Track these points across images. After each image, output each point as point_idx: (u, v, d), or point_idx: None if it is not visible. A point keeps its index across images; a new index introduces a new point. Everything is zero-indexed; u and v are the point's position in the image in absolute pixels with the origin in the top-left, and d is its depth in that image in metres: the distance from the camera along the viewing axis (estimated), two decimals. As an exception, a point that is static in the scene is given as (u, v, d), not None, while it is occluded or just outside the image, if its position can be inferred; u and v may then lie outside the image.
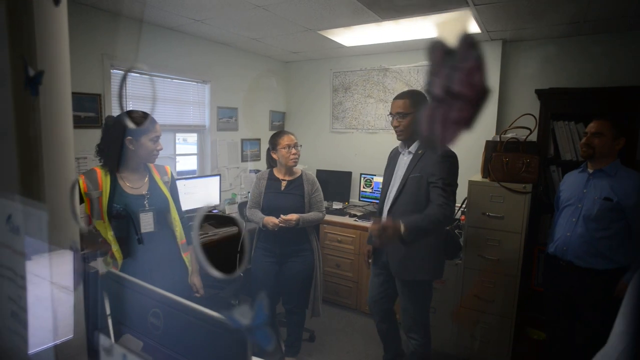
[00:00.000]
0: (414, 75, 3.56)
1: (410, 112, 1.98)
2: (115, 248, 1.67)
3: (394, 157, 2.22)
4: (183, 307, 0.79)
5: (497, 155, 2.55)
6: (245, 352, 0.69)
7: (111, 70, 2.64)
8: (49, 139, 0.66)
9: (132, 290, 0.89)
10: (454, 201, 1.91)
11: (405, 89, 3.59)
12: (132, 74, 2.78)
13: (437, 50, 0.28)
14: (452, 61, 0.28)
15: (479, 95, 0.27)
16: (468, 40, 0.27)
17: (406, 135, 2.05)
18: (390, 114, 2.08)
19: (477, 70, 0.27)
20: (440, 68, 0.28)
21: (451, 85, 0.28)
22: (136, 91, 2.81)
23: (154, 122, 1.75)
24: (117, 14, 2.64)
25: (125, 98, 2.77)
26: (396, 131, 2.07)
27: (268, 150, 2.52)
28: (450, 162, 1.94)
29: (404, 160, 2.09)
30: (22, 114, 0.65)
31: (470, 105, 0.28)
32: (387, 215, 2.11)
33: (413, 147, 2.06)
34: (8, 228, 0.60)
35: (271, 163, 2.52)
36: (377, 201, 3.27)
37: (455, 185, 1.95)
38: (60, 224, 0.63)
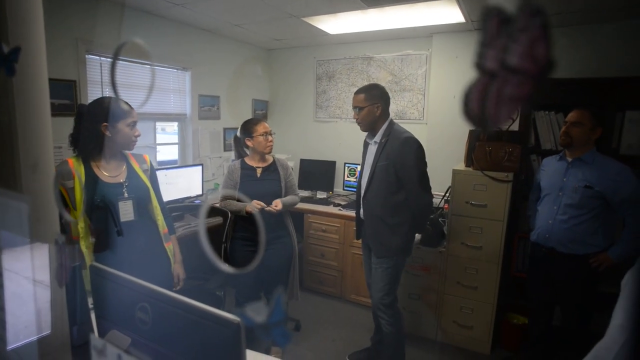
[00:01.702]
0: (398, 64, 3.55)
1: (366, 106, 2.18)
2: (83, 243, 1.58)
3: (365, 146, 2.38)
4: (173, 301, 0.76)
5: (480, 144, 2.58)
6: (240, 345, 0.67)
7: (86, 56, 2.53)
8: (25, 124, 0.61)
9: (117, 284, 0.85)
10: (428, 180, 2.19)
11: (389, 77, 3.59)
12: (109, 59, 2.66)
13: (492, 17, 0.26)
14: (510, 30, 0.25)
15: (542, 69, 0.25)
16: (531, 6, 0.25)
17: (365, 127, 2.24)
18: (353, 107, 2.27)
19: (542, 40, 0.25)
20: (495, 38, 0.26)
21: (509, 58, 0.26)
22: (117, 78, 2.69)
23: (129, 107, 1.68)
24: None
25: (102, 85, 2.67)
26: (357, 123, 2.26)
27: (237, 139, 2.48)
28: (413, 148, 2.11)
29: (371, 150, 2.26)
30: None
31: (532, 80, 0.26)
32: (363, 201, 2.29)
33: (377, 137, 2.22)
34: (-17, 220, 0.56)
35: (241, 153, 2.50)
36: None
37: (424, 167, 2.16)
38: (43, 215, 0.59)
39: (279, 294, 0.50)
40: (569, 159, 2.17)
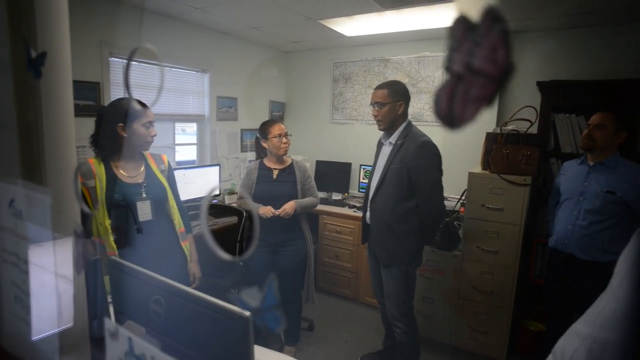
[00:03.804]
0: (415, 66, 3.54)
1: (389, 102, 2.04)
2: (106, 239, 1.64)
3: (378, 146, 2.27)
4: (185, 294, 0.78)
5: (497, 147, 2.54)
6: (247, 339, 0.69)
7: (110, 58, 2.62)
8: (50, 123, 0.65)
9: (133, 278, 0.89)
10: (442, 190, 2.07)
11: (406, 79, 3.57)
12: (132, 62, 2.75)
13: (459, 25, 0.28)
14: (474, 36, 0.27)
15: (503, 72, 0.26)
16: (492, 14, 0.26)
17: (385, 125, 2.10)
18: (371, 103, 2.13)
19: (502, 45, 0.26)
20: (461, 44, 0.28)
21: (473, 62, 0.27)
22: (136, 80, 2.78)
23: (144, 107, 1.72)
24: (116, 1, 2.60)
25: (125, 87, 2.75)
26: (376, 120, 2.13)
27: (257, 140, 2.51)
28: (431, 153, 2.00)
29: (385, 151, 2.14)
30: (23, 97, 0.64)
31: (493, 82, 0.27)
32: (370, 206, 2.19)
33: (393, 138, 2.10)
34: (11, 212, 0.60)
35: (260, 153, 2.53)
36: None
37: (440, 175, 2.05)
38: (64, 208, 0.63)
39: (270, 281, 0.52)
40: (591, 163, 2.12)
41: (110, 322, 0.58)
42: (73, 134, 0.74)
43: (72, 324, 0.92)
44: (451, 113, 0.29)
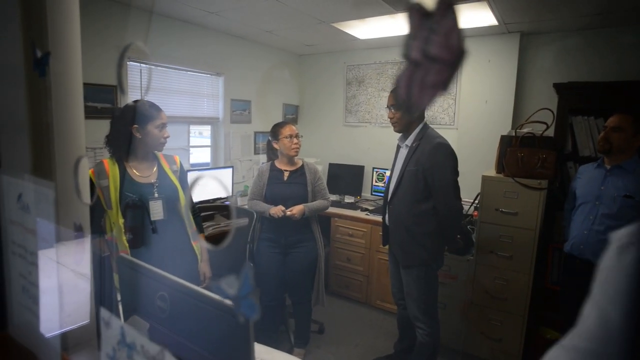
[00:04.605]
0: (429, 68, 3.51)
1: None
2: (119, 238, 1.68)
3: (397, 149, 2.29)
4: (189, 291, 0.80)
5: (512, 150, 2.50)
6: (247, 335, 0.70)
7: (127, 62, 2.68)
8: (61, 122, 0.67)
9: (141, 274, 0.91)
10: (459, 191, 2.07)
11: (420, 82, 3.54)
12: (149, 66, 2.82)
13: (414, 13, 0.28)
14: (429, 24, 0.28)
15: (456, 57, 0.27)
16: (445, 1, 0.26)
17: (400, 127, 2.12)
18: (387, 106, 2.15)
19: (454, 31, 0.26)
20: (418, 32, 0.28)
21: (429, 49, 0.28)
22: (152, 83, 2.84)
23: (159, 109, 1.76)
24: (134, 7, 2.67)
25: (141, 90, 2.82)
26: (392, 123, 2.15)
27: (269, 142, 2.53)
28: (445, 154, 2.01)
29: (402, 154, 2.16)
30: (34, 96, 0.67)
31: (447, 68, 0.28)
32: (389, 207, 2.21)
33: (409, 140, 2.11)
34: (19, 206, 0.62)
35: (271, 155, 2.54)
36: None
37: (455, 175, 2.05)
38: (70, 202, 0.65)
39: (246, 269, 0.52)
40: (608, 167, 2.06)
41: (105, 311, 0.60)
42: (83, 133, 0.76)
43: (88, 320, 0.94)
44: (410, 99, 0.30)
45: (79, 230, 0.66)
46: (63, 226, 0.63)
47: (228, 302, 0.73)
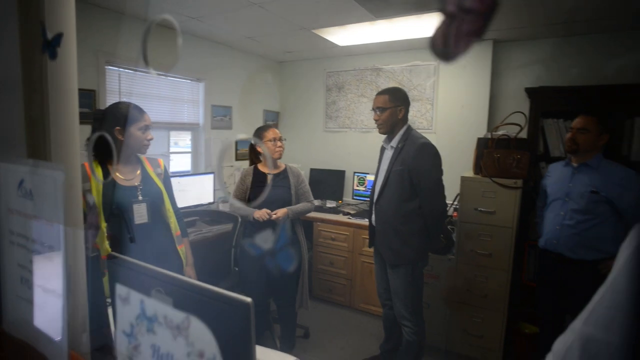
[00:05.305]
0: (407, 75, 3.61)
1: (389, 107, 2.15)
2: (101, 243, 1.64)
3: (381, 151, 2.35)
4: (185, 284, 0.79)
5: (488, 151, 2.60)
6: (249, 325, 0.70)
7: (106, 67, 2.64)
8: (57, 104, 0.67)
9: (133, 271, 0.90)
10: (443, 189, 2.15)
11: (398, 88, 3.64)
12: (127, 70, 2.78)
13: None
14: None
15: (488, 8, 0.30)
16: None
17: (385, 129, 2.20)
18: (373, 109, 2.23)
19: None
20: None
21: (463, 1, 0.31)
22: (131, 88, 2.81)
23: (142, 111, 1.75)
24: (112, 10, 2.64)
25: (120, 95, 2.78)
26: (377, 124, 2.22)
27: (251, 145, 2.54)
28: (430, 154, 2.09)
29: (387, 155, 2.23)
30: (31, 77, 0.66)
31: (481, 17, 0.31)
32: (375, 207, 2.26)
33: (394, 142, 2.18)
34: (20, 193, 0.61)
35: (254, 159, 2.55)
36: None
37: (440, 174, 2.13)
38: (73, 185, 0.64)
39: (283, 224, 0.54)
40: (575, 165, 2.18)
41: (121, 287, 0.59)
42: (77, 115, 0.76)
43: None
44: (447, 48, 0.33)
45: (93, 208, 0.66)
46: (71, 210, 0.62)
47: (227, 292, 0.73)
